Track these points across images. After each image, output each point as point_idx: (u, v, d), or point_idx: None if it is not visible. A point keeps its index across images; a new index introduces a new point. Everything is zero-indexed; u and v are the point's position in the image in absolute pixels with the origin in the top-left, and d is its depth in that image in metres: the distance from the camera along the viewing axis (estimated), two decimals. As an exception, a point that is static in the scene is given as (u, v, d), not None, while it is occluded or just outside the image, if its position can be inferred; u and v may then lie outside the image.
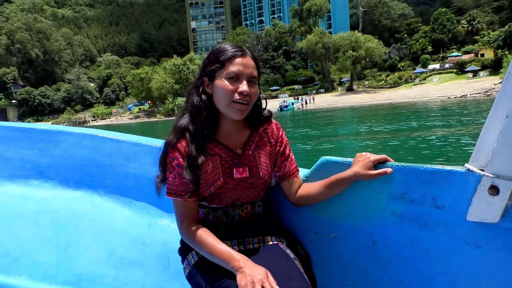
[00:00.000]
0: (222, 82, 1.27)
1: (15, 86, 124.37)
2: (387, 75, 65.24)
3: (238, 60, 1.27)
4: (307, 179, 1.49)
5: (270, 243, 1.40)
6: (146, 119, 73.77)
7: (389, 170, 1.27)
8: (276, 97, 70.65)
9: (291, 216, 1.55)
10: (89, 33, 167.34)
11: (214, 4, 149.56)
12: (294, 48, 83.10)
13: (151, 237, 1.91)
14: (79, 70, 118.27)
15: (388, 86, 60.88)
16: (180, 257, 1.47)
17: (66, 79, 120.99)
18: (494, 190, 1.09)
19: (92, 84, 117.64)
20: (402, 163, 1.29)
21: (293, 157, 1.47)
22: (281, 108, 50.57)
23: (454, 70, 57.13)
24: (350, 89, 63.08)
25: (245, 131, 1.42)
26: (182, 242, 1.45)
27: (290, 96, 65.33)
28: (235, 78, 1.27)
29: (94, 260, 1.91)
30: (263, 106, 1.44)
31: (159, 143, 1.83)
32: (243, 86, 1.26)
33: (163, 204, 1.95)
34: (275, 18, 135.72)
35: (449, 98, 40.57)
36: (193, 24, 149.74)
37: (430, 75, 58.68)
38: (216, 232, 1.33)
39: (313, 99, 56.28)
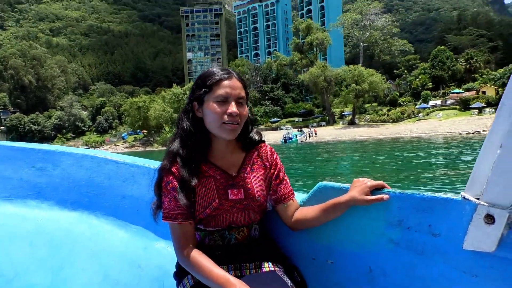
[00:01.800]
0: (211, 106, 1.30)
1: (5, 112, 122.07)
2: (388, 110, 65.13)
3: (224, 82, 1.30)
4: (304, 203, 1.49)
5: (267, 269, 1.39)
6: (142, 148, 71.91)
7: (385, 196, 1.28)
8: (276, 128, 69.94)
9: (288, 241, 1.54)
10: (83, 61, 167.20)
11: (211, 37, 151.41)
12: (292, 80, 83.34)
13: (146, 260, 1.90)
14: (72, 98, 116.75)
15: (391, 120, 60.54)
16: (175, 281, 1.46)
17: (58, 106, 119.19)
18: (489, 219, 1.08)
19: (84, 112, 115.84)
20: (399, 190, 1.29)
21: (288, 180, 1.48)
22: (285, 140, 49.63)
23: (457, 107, 57.18)
24: (352, 123, 62.57)
25: (239, 153, 1.45)
26: (177, 266, 1.44)
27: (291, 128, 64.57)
28: (223, 101, 1.29)
29: (88, 282, 1.89)
30: (252, 127, 1.47)
31: (157, 165, 1.85)
32: (232, 108, 1.29)
33: (159, 227, 1.90)
34: (270, 52, 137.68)
35: (460, 134, 39.92)
36: (189, 55, 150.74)
37: (433, 111, 58.61)
38: (212, 256, 1.33)
39: (315, 133, 55.13)
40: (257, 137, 1.47)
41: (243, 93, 1.34)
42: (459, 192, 1.14)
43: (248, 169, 1.43)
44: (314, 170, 12.42)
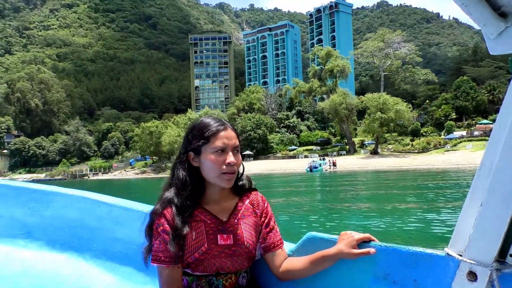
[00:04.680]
0: (210, 156, 1.36)
1: (8, 136, 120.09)
2: (411, 140, 62.98)
3: (222, 134, 1.37)
4: (293, 253, 1.50)
5: None
6: (153, 175, 69.19)
7: (372, 250, 1.30)
8: (294, 157, 67.49)
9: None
10: (89, 86, 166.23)
11: (219, 64, 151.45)
12: (308, 108, 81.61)
13: None
14: (79, 122, 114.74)
15: (416, 151, 58.23)
16: None
17: (63, 130, 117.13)
18: (472, 276, 1.08)
19: (90, 137, 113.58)
20: (385, 244, 1.31)
21: (277, 229, 1.52)
22: (311, 169, 47.16)
23: (487, 138, 54.94)
24: (375, 152, 60.19)
25: (230, 199, 1.49)
26: None
27: (310, 156, 62.03)
28: (221, 151, 1.36)
29: None
30: (243, 172, 1.52)
31: (150, 209, 1.88)
32: (230, 158, 1.36)
33: (148, 272, 1.88)
34: (279, 80, 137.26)
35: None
36: (196, 82, 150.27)
37: (461, 142, 56.44)
38: None
39: (334, 164, 51.62)
40: (246, 183, 1.53)
41: (237, 142, 1.41)
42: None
43: (239, 215, 1.46)
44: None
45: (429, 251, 1.22)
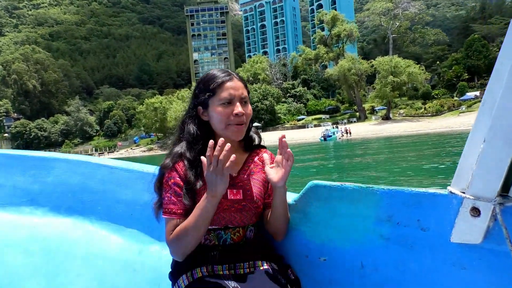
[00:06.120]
0: (217, 109, 1.35)
1: (8, 119, 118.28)
2: (423, 103, 61.47)
3: (227, 85, 1.35)
4: (296, 203, 1.52)
5: (261, 268, 1.41)
6: (160, 152, 68.09)
7: (283, 138, 1.34)
8: (304, 126, 66.20)
9: (281, 240, 1.57)
10: (86, 65, 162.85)
11: (217, 36, 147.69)
12: (313, 76, 79.63)
13: (141, 264, 1.92)
14: (79, 102, 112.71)
15: (429, 114, 56.88)
16: (170, 285, 1.47)
17: (63, 111, 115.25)
18: (475, 211, 1.11)
19: (91, 116, 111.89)
20: (388, 186, 1.32)
21: None
22: (325, 138, 45.97)
23: (503, 97, 53.61)
24: (387, 118, 58.85)
25: (241, 154, 1.48)
26: (172, 266, 1.46)
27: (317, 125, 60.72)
28: (228, 103, 1.34)
29: (84, 287, 1.93)
30: (252, 124, 1.49)
31: (152, 169, 1.91)
32: (238, 108, 1.34)
33: (154, 231, 1.95)
34: (279, 50, 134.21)
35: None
36: (195, 55, 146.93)
37: (475, 103, 55.03)
38: (207, 256, 1.37)
39: (349, 132, 50.22)
40: (256, 136, 1.53)
41: (245, 93, 1.39)
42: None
43: (248, 171, 1.47)
44: None
45: (432, 190, 1.23)
